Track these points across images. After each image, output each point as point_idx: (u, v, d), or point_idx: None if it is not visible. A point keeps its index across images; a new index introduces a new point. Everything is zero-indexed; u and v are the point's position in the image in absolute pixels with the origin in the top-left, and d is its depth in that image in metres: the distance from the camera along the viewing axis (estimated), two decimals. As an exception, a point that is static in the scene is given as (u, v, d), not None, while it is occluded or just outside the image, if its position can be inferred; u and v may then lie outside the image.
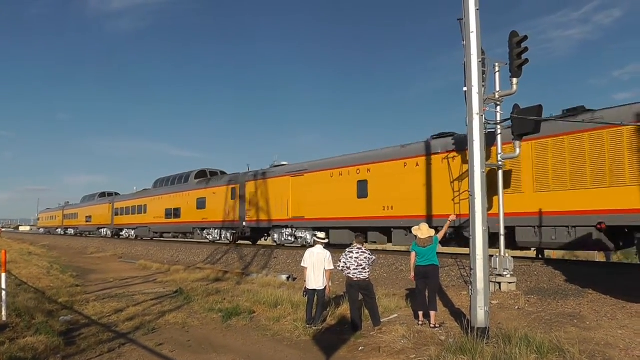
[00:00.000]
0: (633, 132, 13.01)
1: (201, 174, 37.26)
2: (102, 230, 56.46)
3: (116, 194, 57.82)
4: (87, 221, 61.15)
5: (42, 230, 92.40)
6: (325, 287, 10.50)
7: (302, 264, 10.82)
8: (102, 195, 60.30)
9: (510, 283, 12.99)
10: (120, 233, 51.64)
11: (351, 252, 10.06)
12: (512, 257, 13.47)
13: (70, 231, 70.17)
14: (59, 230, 76.37)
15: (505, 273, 12.98)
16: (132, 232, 47.84)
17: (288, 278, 17.94)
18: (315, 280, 10.49)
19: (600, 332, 8.80)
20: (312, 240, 17.64)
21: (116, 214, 51.02)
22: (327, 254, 10.56)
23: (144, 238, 45.08)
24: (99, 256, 34.91)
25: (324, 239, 10.92)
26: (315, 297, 10.54)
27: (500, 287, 12.88)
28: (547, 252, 18.40)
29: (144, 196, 44.80)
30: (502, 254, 13.07)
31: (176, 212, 37.66)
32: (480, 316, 8.39)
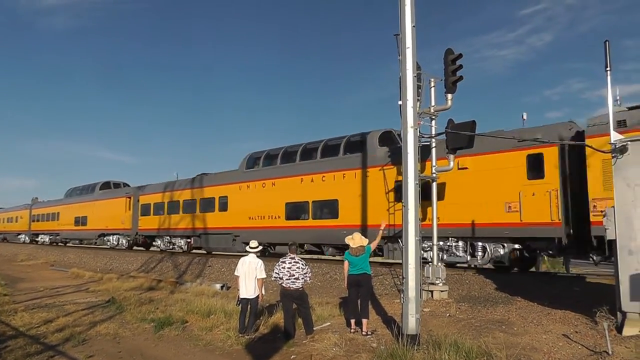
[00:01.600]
0: None
1: (386, 139, 19.59)
2: (111, 237, 37.30)
3: (125, 184, 40.70)
4: (78, 224, 41.61)
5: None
6: (258, 296, 10.50)
7: (235, 273, 10.84)
8: (106, 185, 40.70)
9: (442, 291, 13.32)
10: (154, 243, 33.41)
11: (284, 262, 10.12)
12: (444, 266, 13.84)
13: (44, 238, 50.45)
14: (23, 236, 56.47)
15: (437, 282, 13.31)
16: (183, 242, 29.64)
17: (222, 287, 17.85)
18: (247, 289, 10.51)
19: (526, 337, 9.15)
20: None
21: (144, 214, 32.61)
22: (258, 262, 10.59)
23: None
24: (30, 264, 33.58)
25: (255, 247, 10.94)
26: (249, 306, 10.52)
27: (432, 295, 13.19)
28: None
29: (222, 183, 26.03)
30: (435, 263, 13.40)
31: (327, 207, 20.39)
32: (412, 323, 8.58)
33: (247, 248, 11.05)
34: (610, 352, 7.79)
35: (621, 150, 9.06)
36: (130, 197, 34.46)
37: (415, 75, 9.33)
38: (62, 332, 10.87)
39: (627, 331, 8.80)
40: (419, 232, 8.98)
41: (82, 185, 44.17)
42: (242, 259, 10.86)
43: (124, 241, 35.62)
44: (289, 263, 10.05)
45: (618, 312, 9.13)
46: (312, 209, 21.16)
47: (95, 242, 39.64)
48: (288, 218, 22.05)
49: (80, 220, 41.11)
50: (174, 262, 25.71)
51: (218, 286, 17.79)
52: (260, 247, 11.28)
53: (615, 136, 9.16)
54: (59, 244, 47.07)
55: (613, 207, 9.15)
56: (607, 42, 9.20)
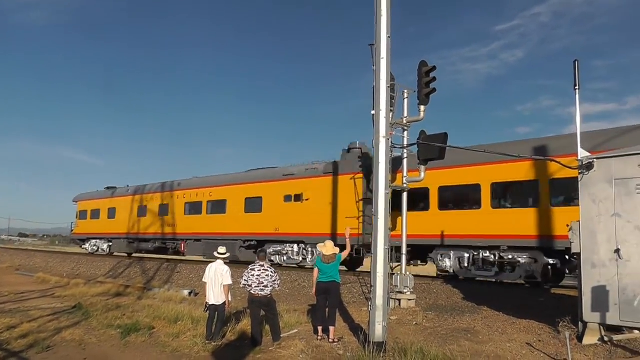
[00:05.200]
0: None
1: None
2: None
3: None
4: None
5: (93, 244, 36.17)
6: (225, 302, 10.43)
7: (203, 279, 10.79)
8: None
9: (410, 300, 13.44)
10: None
11: (253, 269, 10.06)
12: (413, 275, 13.96)
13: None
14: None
15: (405, 290, 13.42)
16: None
17: (190, 293, 17.72)
18: (214, 295, 10.44)
19: (491, 346, 9.30)
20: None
21: None
22: (225, 269, 10.50)
23: None
24: (-6, 268, 32.74)
25: (224, 254, 10.87)
26: (216, 312, 10.47)
27: (400, 304, 13.29)
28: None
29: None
30: (404, 272, 13.52)
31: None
32: (378, 331, 8.66)
33: (215, 254, 10.95)
34: (570, 360, 7.98)
35: (588, 167, 9.29)
36: None
37: (389, 85, 9.45)
38: (26, 338, 10.56)
39: (587, 340, 9.04)
40: (389, 241, 9.08)
41: None
42: (209, 265, 10.79)
43: None
44: (259, 270, 9.99)
45: (580, 322, 9.36)
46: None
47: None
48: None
49: None
50: (142, 267, 25.45)
51: (186, 292, 17.65)
52: (229, 254, 11.19)
53: (582, 153, 9.40)
54: None
55: (578, 221, 9.37)
56: (576, 62, 9.43)
